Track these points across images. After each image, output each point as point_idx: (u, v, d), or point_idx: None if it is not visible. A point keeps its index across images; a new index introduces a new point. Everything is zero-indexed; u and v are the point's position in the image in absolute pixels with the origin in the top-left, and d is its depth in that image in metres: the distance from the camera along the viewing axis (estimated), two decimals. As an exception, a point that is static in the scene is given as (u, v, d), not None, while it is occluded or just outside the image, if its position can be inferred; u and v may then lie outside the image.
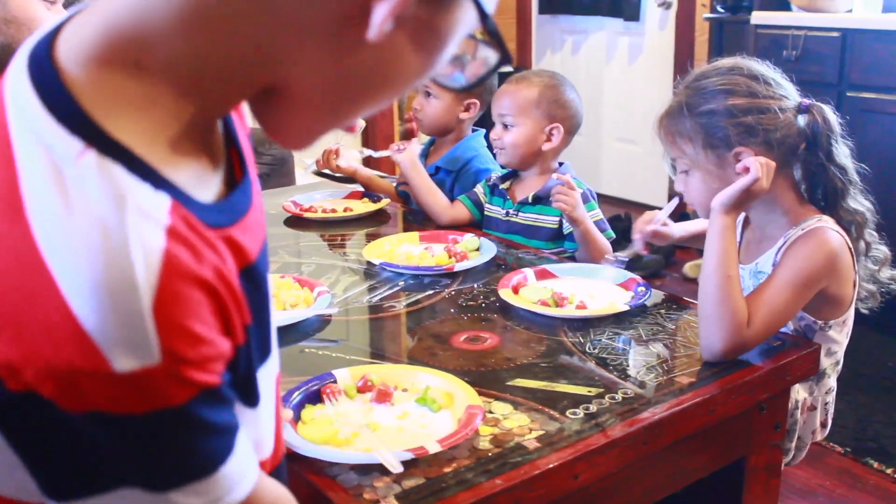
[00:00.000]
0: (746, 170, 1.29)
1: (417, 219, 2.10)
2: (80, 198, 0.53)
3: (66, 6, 1.64)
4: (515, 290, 1.52)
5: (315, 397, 1.14)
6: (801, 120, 1.36)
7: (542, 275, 1.60)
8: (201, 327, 0.56)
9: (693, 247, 1.72)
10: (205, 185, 0.63)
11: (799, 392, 1.42)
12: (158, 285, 0.53)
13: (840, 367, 1.49)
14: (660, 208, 1.63)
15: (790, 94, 1.38)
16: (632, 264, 1.66)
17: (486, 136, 2.11)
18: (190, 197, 0.59)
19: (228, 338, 0.60)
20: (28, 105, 0.56)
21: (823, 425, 1.49)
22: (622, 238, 2.06)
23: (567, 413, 1.10)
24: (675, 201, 1.64)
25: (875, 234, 1.43)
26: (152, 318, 0.53)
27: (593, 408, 1.11)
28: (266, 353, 0.72)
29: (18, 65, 0.58)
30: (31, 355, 0.52)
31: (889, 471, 2.14)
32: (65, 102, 0.55)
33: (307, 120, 0.64)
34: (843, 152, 1.38)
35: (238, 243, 0.64)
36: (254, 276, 0.67)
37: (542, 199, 1.90)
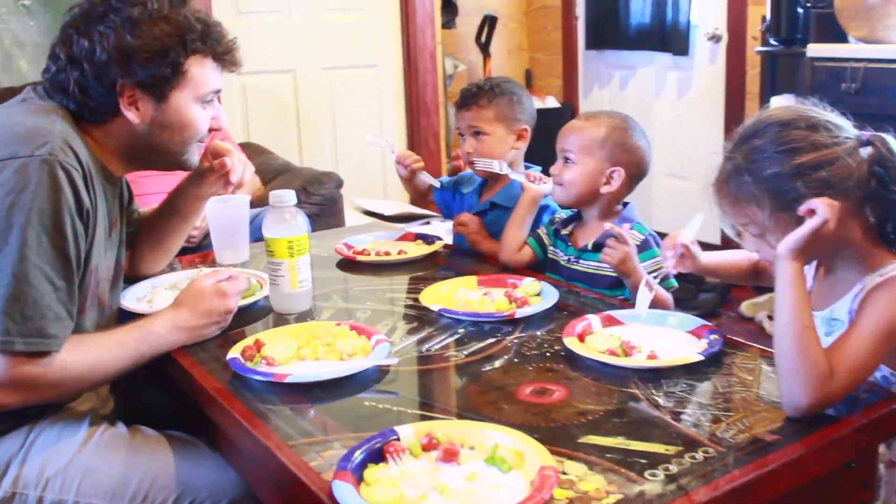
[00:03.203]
0: (810, 212, 1.22)
1: (471, 262, 2.05)
2: None
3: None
4: (581, 339, 1.46)
5: (378, 456, 1.08)
6: (865, 154, 1.28)
7: (608, 321, 1.54)
8: None
9: (716, 279, 1.67)
10: None
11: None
12: None
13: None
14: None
15: (849, 130, 1.30)
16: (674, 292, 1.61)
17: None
18: None
19: None
20: None
21: (909, 484, 1.41)
22: (679, 279, 1.99)
23: (646, 474, 1.04)
24: (700, 218, 1.58)
25: None
26: None
27: (674, 468, 1.05)
28: None
29: None
30: None
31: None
32: None
33: None
34: None
35: None
36: None
37: (601, 247, 1.84)
